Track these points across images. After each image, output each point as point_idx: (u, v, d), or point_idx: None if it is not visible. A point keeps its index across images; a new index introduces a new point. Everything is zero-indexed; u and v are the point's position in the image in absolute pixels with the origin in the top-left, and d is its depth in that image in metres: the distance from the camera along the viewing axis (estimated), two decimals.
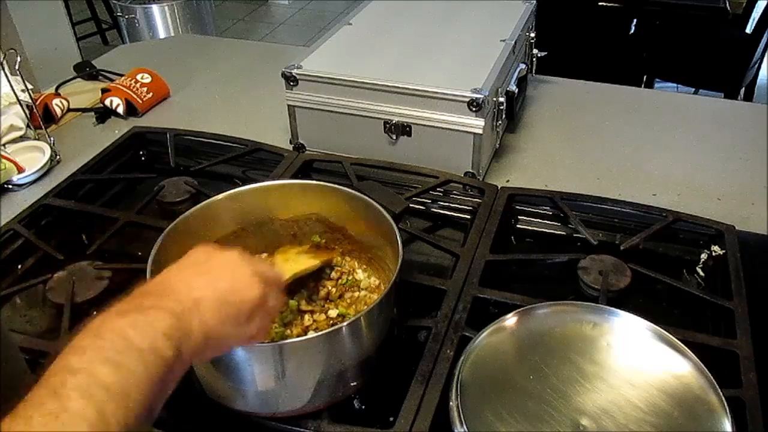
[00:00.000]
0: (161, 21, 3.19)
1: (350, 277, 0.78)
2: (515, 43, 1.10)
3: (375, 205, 0.73)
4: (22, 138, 1.15)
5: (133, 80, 1.28)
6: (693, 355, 0.65)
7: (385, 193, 0.77)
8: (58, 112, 1.24)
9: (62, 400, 0.38)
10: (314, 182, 0.80)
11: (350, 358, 0.65)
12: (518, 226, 0.97)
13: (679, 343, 0.67)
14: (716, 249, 0.87)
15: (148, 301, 0.48)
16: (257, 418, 0.66)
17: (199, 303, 0.50)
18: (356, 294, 0.76)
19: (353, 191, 0.76)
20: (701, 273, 0.87)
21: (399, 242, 0.68)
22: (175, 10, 3.18)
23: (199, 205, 0.74)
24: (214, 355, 0.55)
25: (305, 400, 0.64)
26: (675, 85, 2.76)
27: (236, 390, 0.65)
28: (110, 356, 0.41)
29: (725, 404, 0.61)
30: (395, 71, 1.02)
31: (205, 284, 0.52)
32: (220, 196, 0.75)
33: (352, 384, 0.67)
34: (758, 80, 2.64)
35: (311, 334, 0.66)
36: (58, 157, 1.12)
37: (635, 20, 2.47)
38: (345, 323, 0.61)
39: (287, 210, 0.79)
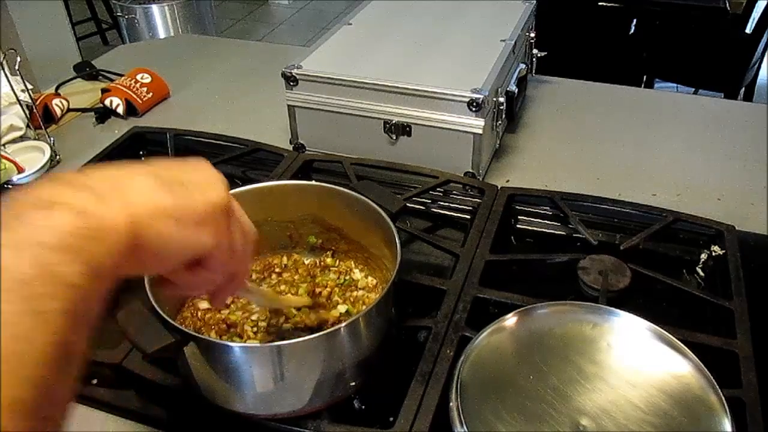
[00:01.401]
0: (161, 21, 3.19)
1: (347, 277, 0.78)
2: (515, 43, 1.10)
3: (372, 204, 0.73)
4: (22, 138, 1.15)
5: (133, 80, 1.28)
6: (693, 355, 0.65)
7: (381, 193, 0.76)
8: (58, 112, 1.24)
9: None
10: (310, 183, 0.80)
11: (349, 359, 0.64)
12: (518, 226, 0.97)
13: (679, 343, 0.66)
14: (716, 249, 0.87)
15: (41, 194, 0.33)
16: (257, 420, 0.66)
17: (124, 186, 0.35)
18: (354, 293, 0.76)
19: (350, 191, 0.76)
20: (701, 273, 0.87)
21: (397, 242, 0.68)
22: (175, 10, 3.19)
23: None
24: (155, 269, 0.40)
25: (305, 401, 0.64)
26: (675, 85, 2.77)
27: (235, 392, 0.65)
28: None
29: (725, 404, 0.61)
30: (395, 71, 1.02)
31: (143, 169, 0.37)
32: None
33: (351, 384, 0.67)
34: (758, 80, 2.64)
35: (310, 335, 0.66)
36: (58, 157, 1.12)
37: (635, 20, 2.47)
38: (343, 324, 0.61)
39: (284, 211, 0.79)
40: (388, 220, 0.71)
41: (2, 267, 0.29)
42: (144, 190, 0.36)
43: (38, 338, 0.29)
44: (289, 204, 0.79)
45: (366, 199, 0.74)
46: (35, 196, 0.33)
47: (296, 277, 0.78)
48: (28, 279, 0.29)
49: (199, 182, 0.41)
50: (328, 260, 0.81)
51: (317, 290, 0.75)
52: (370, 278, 0.78)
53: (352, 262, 0.80)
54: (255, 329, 0.71)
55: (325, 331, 0.61)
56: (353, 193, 0.75)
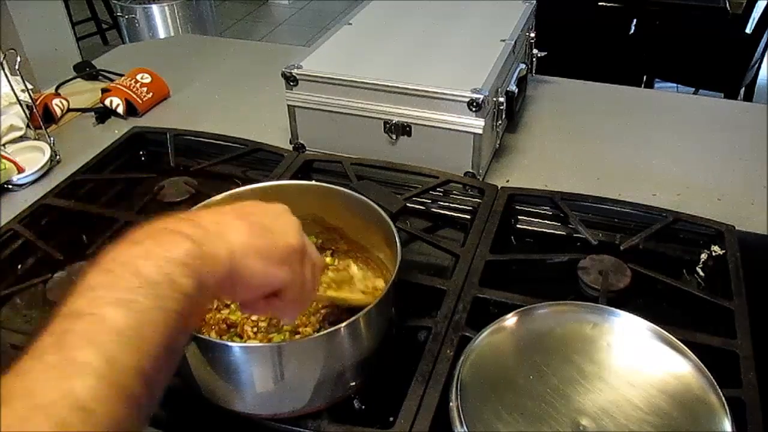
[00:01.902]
0: (161, 21, 3.19)
1: (344, 273, 0.78)
2: (515, 43, 1.10)
3: (372, 204, 0.73)
4: (22, 138, 1.15)
5: (133, 80, 1.28)
6: (693, 355, 0.65)
7: (381, 193, 0.76)
8: (58, 112, 1.24)
9: (66, 350, 0.35)
10: (310, 183, 0.80)
11: (349, 359, 0.65)
12: (518, 226, 0.97)
13: (679, 343, 0.67)
14: (716, 249, 0.87)
15: (166, 225, 0.44)
16: (257, 419, 0.66)
17: (224, 228, 0.46)
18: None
19: (350, 191, 0.76)
20: (701, 273, 0.87)
21: (397, 242, 0.68)
22: (175, 10, 3.19)
23: (198, 206, 0.74)
24: (243, 296, 0.49)
25: (305, 401, 0.64)
26: (675, 85, 2.77)
27: (235, 391, 0.65)
28: (120, 295, 0.38)
29: (725, 404, 0.61)
30: (395, 71, 1.02)
31: (236, 215, 0.48)
32: (219, 196, 0.75)
33: (351, 384, 0.67)
34: (758, 80, 2.64)
35: (311, 335, 0.66)
36: (58, 157, 1.12)
37: (635, 20, 2.47)
38: (343, 324, 0.61)
39: None
40: (388, 219, 0.71)
41: (139, 272, 0.40)
42: (240, 232, 0.47)
43: (160, 328, 0.38)
44: (289, 204, 0.78)
45: (366, 199, 0.74)
46: (163, 226, 0.44)
47: None
48: (159, 283, 0.40)
49: (281, 228, 0.51)
50: (327, 259, 0.81)
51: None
52: (368, 280, 0.78)
53: (351, 261, 0.80)
54: (255, 329, 0.70)
55: (325, 331, 0.61)
56: (353, 193, 0.75)
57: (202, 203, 0.74)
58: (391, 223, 0.71)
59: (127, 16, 3.15)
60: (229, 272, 0.45)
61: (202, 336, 0.65)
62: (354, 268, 0.79)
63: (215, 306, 0.74)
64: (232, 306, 0.73)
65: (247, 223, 0.48)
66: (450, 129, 0.98)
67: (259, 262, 0.47)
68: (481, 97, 0.94)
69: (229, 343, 0.62)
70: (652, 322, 0.69)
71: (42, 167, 1.08)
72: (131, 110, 1.26)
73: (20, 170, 1.06)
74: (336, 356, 0.63)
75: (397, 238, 0.69)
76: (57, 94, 1.28)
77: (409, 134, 1.02)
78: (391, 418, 0.64)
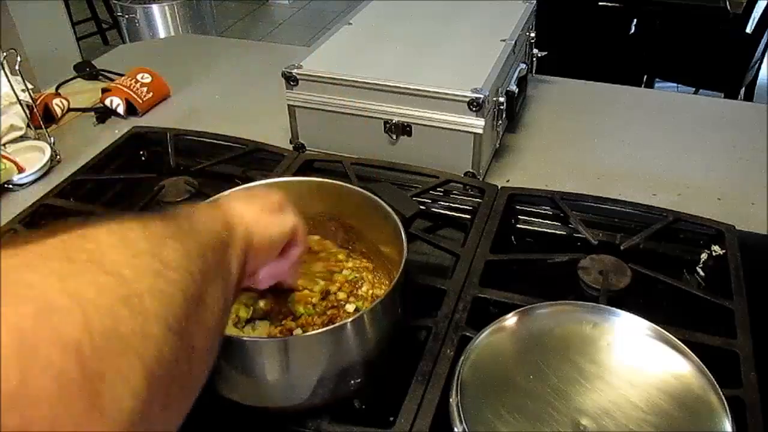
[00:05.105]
0: (161, 21, 3.19)
1: (357, 275, 0.78)
2: (515, 43, 1.10)
3: (384, 206, 0.73)
4: (22, 138, 1.15)
5: (133, 80, 1.28)
6: (693, 355, 0.65)
7: (397, 196, 0.76)
8: (58, 112, 1.24)
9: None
10: (327, 180, 0.79)
11: (354, 356, 0.64)
12: (518, 226, 0.97)
13: (679, 343, 0.66)
14: (716, 249, 0.87)
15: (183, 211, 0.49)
16: (258, 412, 0.66)
17: (227, 201, 0.53)
18: (361, 291, 0.76)
19: (365, 191, 0.75)
20: (701, 273, 0.87)
21: (404, 242, 0.68)
22: (175, 10, 3.19)
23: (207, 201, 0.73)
24: (267, 254, 0.55)
25: (308, 395, 0.64)
26: (675, 85, 2.77)
27: (241, 384, 0.65)
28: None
29: (725, 404, 0.61)
30: (395, 71, 1.02)
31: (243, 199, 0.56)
32: (227, 192, 0.74)
33: (355, 381, 0.67)
34: (758, 80, 2.64)
35: (316, 330, 0.66)
36: (58, 156, 1.12)
37: (635, 20, 2.47)
38: (349, 320, 0.61)
39: (300, 208, 0.79)
40: (397, 219, 0.71)
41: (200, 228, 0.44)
42: (240, 200, 0.54)
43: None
44: (300, 201, 0.78)
45: (380, 201, 0.73)
46: (205, 206, 0.51)
47: (317, 269, 0.77)
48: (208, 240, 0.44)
49: (263, 192, 0.59)
50: (348, 264, 0.80)
51: (330, 289, 0.75)
52: (376, 280, 0.78)
53: (365, 261, 0.80)
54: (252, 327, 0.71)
55: (327, 328, 0.61)
56: (369, 194, 0.74)
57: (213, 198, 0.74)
58: (399, 223, 0.70)
59: (127, 16, 3.15)
60: (248, 234, 0.51)
61: None
62: (365, 274, 0.79)
63: None
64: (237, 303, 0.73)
65: (242, 194, 0.58)
66: (450, 129, 0.98)
67: (269, 215, 0.55)
68: (482, 96, 0.94)
69: (243, 337, 0.63)
70: (652, 322, 0.69)
71: (42, 167, 1.08)
72: (131, 110, 1.26)
73: (20, 170, 1.06)
74: (340, 353, 0.63)
75: (404, 239, 0.68)
76: (57, 94, 1.28)
77: (409, 134, 1.02)
78: (391, 418, 0.64)
